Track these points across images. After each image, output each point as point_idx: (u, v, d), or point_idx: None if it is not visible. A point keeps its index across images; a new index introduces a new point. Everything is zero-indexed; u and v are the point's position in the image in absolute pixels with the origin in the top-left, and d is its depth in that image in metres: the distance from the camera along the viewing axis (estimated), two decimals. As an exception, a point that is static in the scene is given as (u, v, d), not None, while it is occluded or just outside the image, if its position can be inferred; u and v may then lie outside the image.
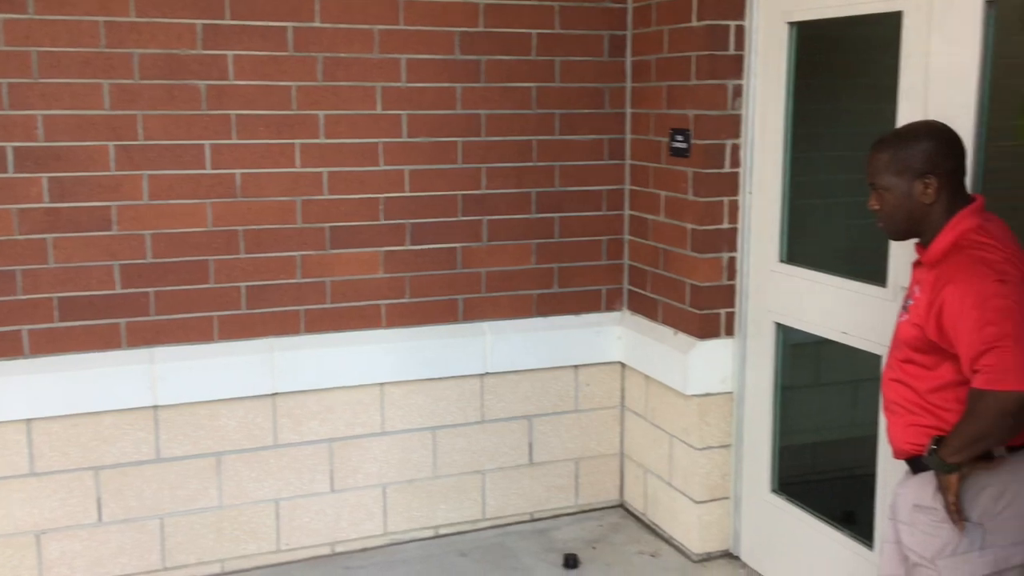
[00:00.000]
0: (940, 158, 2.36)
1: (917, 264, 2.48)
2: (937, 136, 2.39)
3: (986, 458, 2.27)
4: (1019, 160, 3.39)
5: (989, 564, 2.29)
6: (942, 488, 2.30)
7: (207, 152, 3.69)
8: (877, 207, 2.45)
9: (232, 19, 3.64)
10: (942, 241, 2.35)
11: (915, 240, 2.49)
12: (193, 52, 3.62)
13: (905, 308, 2.45)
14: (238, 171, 3.73)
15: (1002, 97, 2.97)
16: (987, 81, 2.80)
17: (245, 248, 3.78)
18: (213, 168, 3.70)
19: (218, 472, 3.83)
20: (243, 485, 3.88)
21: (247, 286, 3.81)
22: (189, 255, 3.72)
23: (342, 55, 3.80)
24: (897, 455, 2.52)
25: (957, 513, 2.28)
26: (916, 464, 2.43)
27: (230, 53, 3.66)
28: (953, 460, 2.25)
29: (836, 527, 3.55)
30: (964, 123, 2.72)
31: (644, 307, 4.25)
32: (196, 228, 3.71)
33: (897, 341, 2.47)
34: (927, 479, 2.37)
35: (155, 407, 3.71)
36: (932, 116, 2.79)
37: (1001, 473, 2.29)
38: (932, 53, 2.93)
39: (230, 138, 3.70)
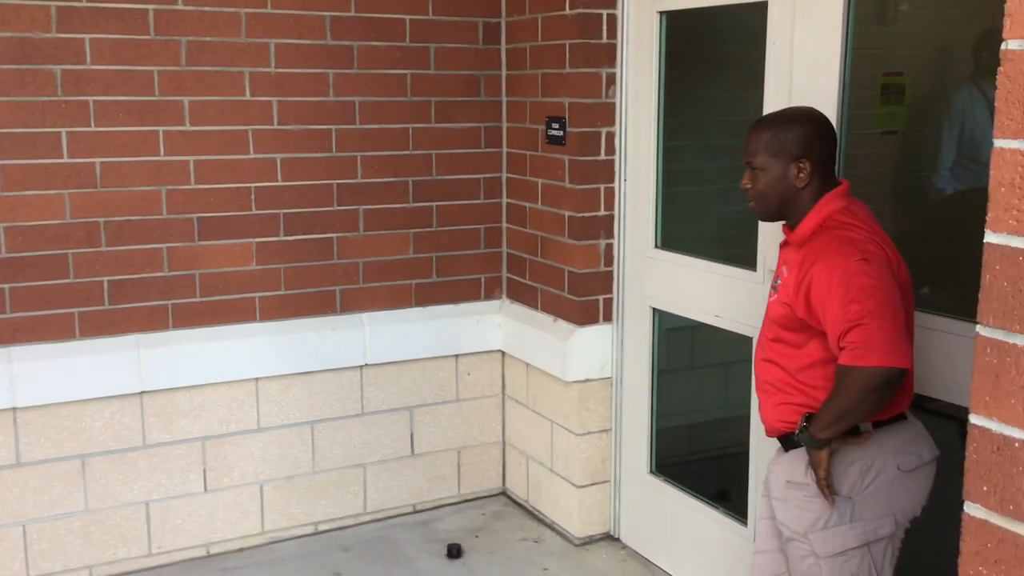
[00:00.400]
0: (816, 143, 2.43)
1: (784, 244, 2.55)
2: (815, 122, 2.47)
3: (854, 434, 2.36)
4: (878, 147, 3.52)
5: (858, 536, 2.38)
6: (813, 464, 2.37)
7: (64, 140, 3.51)
8: (749, 186, 2.50)
9: (89, 1, 3.47)
10: (809, 222, 2.42)
11: (782, 222, 2.56)
12: (47, 35, 3.43)
13: (774, 288, 2.52)
14: (97, 160, 3.56)
15: (863, 86, 3.08)
16: (848, 70, 2.90)
17: (107, 241, 3.62)
18: (70, 157, 3.53)
19: (83, 475, 3.67)
20: (111, 488, 3.72)
21: (110, 280, 3.65)
22: (46, 249, 3.54)
23: (207, 39, 3.66)
24: (769, 433, 2.59)
25: (828, 488, 2.36)
26: (787, 442, 2.50)
27: (87, 36, 3.49)
28: (823, 436, 2.33)
29: (712, 505, 3.64)
30: (827, 110, 2.79)
31: (523, 295, 4.26)
32: (53, 220, 3.53)
33: (767, 320, 2.54)
34: (798, 456, 2.45)
35: (14, 409, 3.52)
36: (797, 103, 2.87)
37: (868, 448, 2.38)
38: (796, 42, 3.02)
39: (88, 125, 3.53)
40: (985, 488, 1.22)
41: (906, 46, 3.51)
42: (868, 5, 3.09)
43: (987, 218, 1.20)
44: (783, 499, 2.49)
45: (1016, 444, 1.18)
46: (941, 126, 3.34)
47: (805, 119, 2.47)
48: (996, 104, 1.18)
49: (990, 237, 1.20)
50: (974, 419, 1.23)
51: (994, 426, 1.21)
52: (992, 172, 1.19)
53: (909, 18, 3.56)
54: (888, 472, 2.38)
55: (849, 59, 2.90)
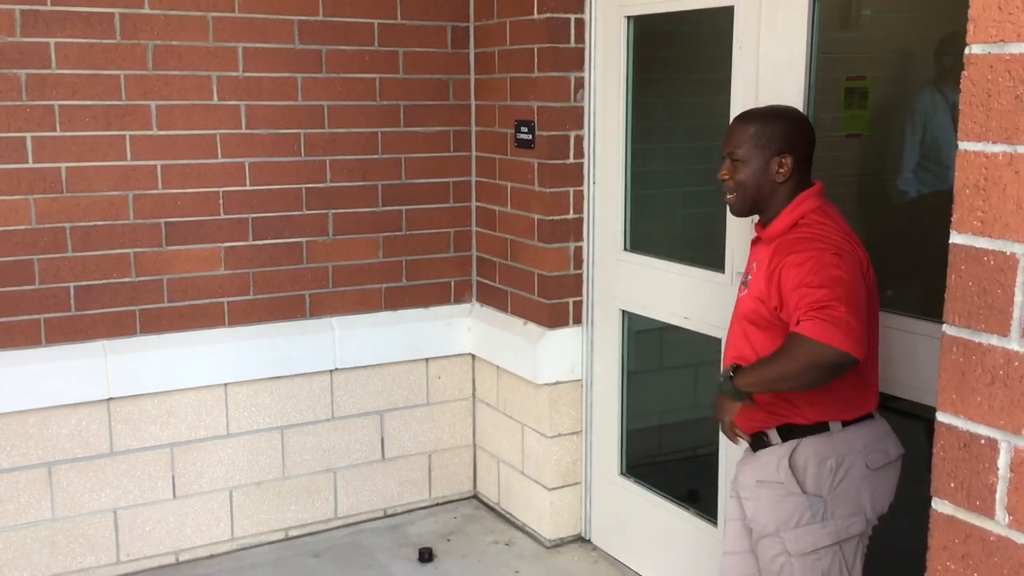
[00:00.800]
0: (798, 141, 2.46)
1: (756, 241, 2.57)
2: (799, 121, 2.51)
3: (819, 430, 2.38)
4: (842, 150, 3.56)
5: (830, 535, 2.40)
6: (720, 411, 2.41)
7: (29, 145, 3.47)
8: (727, 177, 2.50)
9: (54, 5, 3.44)
10: (783, 220, 2.44)
11: (754, 221, 2.58)
12: (11, 40, 3.39)
13: (744, 284, 2.54)
14: (63, 165, 3.53)
15: (827, 89, 3.12)
16: (813, 73, 2.94)
17: (73, 246, 3.58)
18: (36, 162, 3.49)
19: (50, 483, 3.62)
20: (78, 496, 3.68)
21: (76, 286, 3.61)
22: (12, 255, 3.49)
23: (174, 43, 3.64)
24: (738, 433, 2.61)
25: (732, 432, 2.42)
26: (757, 441, 2.52)
27: (52, 40, 3.45)
28: (748, 390, 2.36)
29: (682, 506, 3.66)
30: (793, 114, 2.84)
31: (493, 298, 4.27)
32: (19, 226, 3.49)
33: (737, 316, 2.55)
34: (769, 455, 2.46)
35: (-23, 418, 3.48)
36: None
37: (838, 445, 2.40)
38: (762, 47, 3.05)
39: (54, 130, 3.50)
40: (952, 484, 1.24)
41: (869, 50, 3.55)
42: (832, 10, 3.13)
43: (952, 219, 1.22)
44: (754, 498, 2.50)
45: (982, 441, 1.20)
46: (904, 129, 3.38)
47: (791, 116, 2.50)
48: (960, 107, 1.20)
49: (955, 238, 1.22)
50: (941, 417, 1.25)
51: (960, 423, 1.23)
52: (957, 174, 1.22)
53: (872, 23, 3.60)
54: (857, 470, 2.41)
55: (815, 63, 2.94)
